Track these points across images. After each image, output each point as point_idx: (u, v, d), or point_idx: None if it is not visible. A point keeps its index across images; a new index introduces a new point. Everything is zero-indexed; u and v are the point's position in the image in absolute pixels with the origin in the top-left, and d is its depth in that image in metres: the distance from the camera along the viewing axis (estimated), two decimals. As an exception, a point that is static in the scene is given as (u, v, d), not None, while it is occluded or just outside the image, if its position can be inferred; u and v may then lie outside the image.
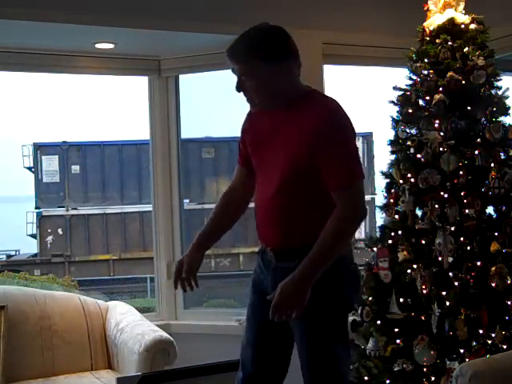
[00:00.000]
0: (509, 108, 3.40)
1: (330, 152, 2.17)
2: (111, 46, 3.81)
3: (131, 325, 3.36)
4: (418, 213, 3.35)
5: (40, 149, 14.40)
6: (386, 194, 3.51)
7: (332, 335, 2.27)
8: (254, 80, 2.21)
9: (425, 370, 3.16)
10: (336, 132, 2.19)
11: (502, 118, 3.38)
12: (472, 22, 3.42)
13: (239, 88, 2.26)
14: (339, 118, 2.23)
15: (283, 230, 2.27)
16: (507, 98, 3.40)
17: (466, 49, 3.36)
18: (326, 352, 2.26)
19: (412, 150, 3.39)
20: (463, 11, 3.45)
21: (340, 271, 2.26)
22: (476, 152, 3.27)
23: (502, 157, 3.35)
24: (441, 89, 3.32)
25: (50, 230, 14.35)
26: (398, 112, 3.48)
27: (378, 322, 3.31)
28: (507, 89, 3.39)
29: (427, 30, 3.46)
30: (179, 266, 2.41)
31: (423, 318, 3.20)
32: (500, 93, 3.39)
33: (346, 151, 2.20)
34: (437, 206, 3.20)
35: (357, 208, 2.21)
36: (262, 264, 2.37)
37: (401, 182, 3.38)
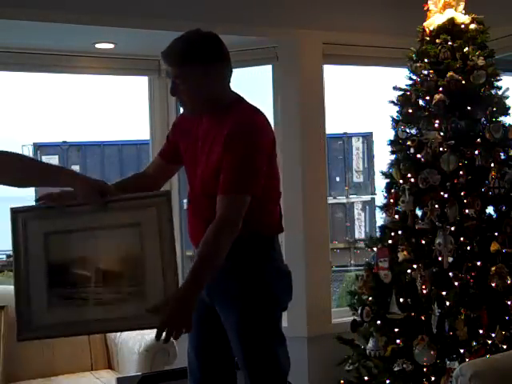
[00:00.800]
0: (509, 108, 3.40)
1: (229, 156, 2.17)
2: (111, 46, 3.81)
3: (131, 325, 3.36)
4: (418, 213, 3.35)
5: (40, 149, 14.39)
6: (386, 194, 3.51)
7: (265, 332, 2.27)
8: (186, 83, 2.20)
9: (425, 369, 3.16)
10: (243, 139, 2.18)
11: (502, 118, 3.39)
12: (472, 22, 3.42)
13: (173, 91, 2.23)
14: (251, 127, 2.22)
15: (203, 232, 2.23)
16: (507, 97, 3.40)
17: (466, 49, 3.36)
18: (262, 348, 2.27)
19: (412, 150, 3.39)
20: (463, 11, 3.45)
21: (268, 270, 2.28)
22: (476, 152, 3.27)
23: (502, 157, 3.35)
24: (441, 89, 3.32)
25: (49, 230, 14.33)
26: (397, 112, 3.48)
27: (378, 321, 3.31)
28: (507, 89, 3.39)
29: (427, 30, 3.46)
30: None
31: (423, 318, 3.20)
32: (500, 93, 3.39)
33: (243, 160, 2.18)
34: (437, 205, 3.20)
35: (230, 220, 2.14)
36: None
37: (401, 182, 3.38)
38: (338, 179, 14.75)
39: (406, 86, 3.48)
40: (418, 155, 3.33)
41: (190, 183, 2.40)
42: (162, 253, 2.10)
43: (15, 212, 2.15)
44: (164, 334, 2.03)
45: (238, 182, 2.17)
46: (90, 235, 2.11)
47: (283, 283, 2.34)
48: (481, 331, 3.10)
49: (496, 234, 3.23)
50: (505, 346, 3.08)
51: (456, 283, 3.14)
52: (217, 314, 2.31)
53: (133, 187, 2.39)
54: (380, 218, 3.63)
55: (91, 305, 2.07)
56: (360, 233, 14.76)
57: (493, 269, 3.14)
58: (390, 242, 3.38)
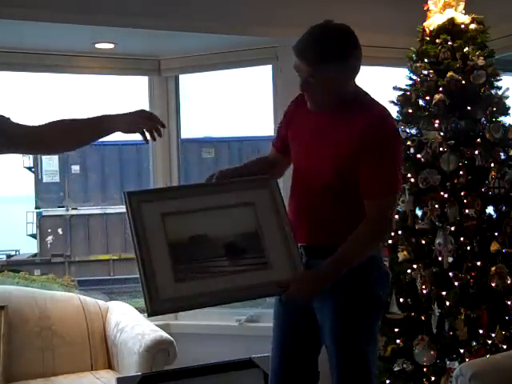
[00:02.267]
0: (509, 108, 3.40)
1: (374, 158, 2.15)
2: (111, 45, 3.81)
3: (131, 325, 3.36)
4: (418, 213, 3.35)
5: (40, 149, 14.39)
6: (385, 194, 3.51)
7: (364, 337, 2.26)
8: (320, 81, 2.15)
9: (425, 369, 3.16)
10: (384, 140, 2.17)
11: (502, 118, 3.38)
12: (472, 21, 3.42)
13: (304, 88, 2.19)
14: (389, 127, 2.23)
15: (319, 227, 2.27)
16: (507, 97, 3.40)
17: (466, 49, 3.36)
18: (358, 354, 2.26)
19: (412, 150, 3.39)
20: (463, 11, 3.45)
21: (372, 271, 2.28)
22: (476, 152, 3.27)
23: (502, 157, 3.35)
24: (441, 89, 3.32)
25: (50, 230, 14.36)
26: (398, 112, 3.48)
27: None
28: (507, 89, 3.39)
29: (427, 29, 3.46)
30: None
31: (423, 317, 3.20)
32: (500, 93, 3.39)
33: (389, 162, 2.19)
34: (437, 205, 3.20)
35: (385, 222, 2.21)
36: None
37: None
38: (338, 179, 14.76)
39: (406, 85, 3.48)
40: (418, 155, 3.34)
41: (297, 177, 2.36)
42: (280, 227, 2.24)
43: (130, 195, 2.20)
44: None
45: (385, 184, 2.18)
46: (205, 215, 2.21)
47: (384, 284, 2.35)
48: (481, 331, 3.11)
49: (496, 234, 3.23)
50: (505, 346, 3.08)
51: (456, 283, 3.14)
52: (312, 320, 2.31)
53: (257, 170, 2.43)
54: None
55: (217, 277, 2.14)
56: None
57: (493, 269, 3.14)
58: (389, 241, 3.38)
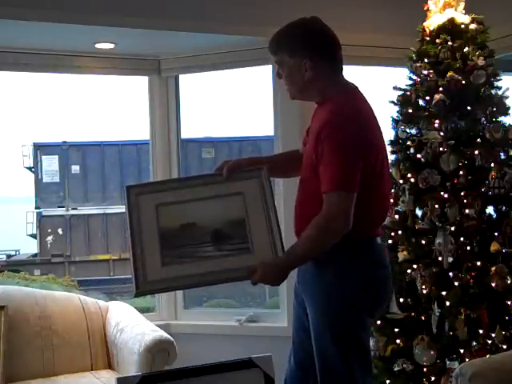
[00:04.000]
0: (509, 108, 3.40)
1: (324, 154, 2.20)
2: (111, 45, 3.81)
3: (131, 325, 3.36)
4: (418, 213, 3.35)
5: (40, 149, 14.40)
6: (386, 194, 3.51)
7: (334, 337, 2.25)
8: (283, 70, 2.35)
9: (425, 369, 3.16)
10: (338, 137, 2.18)
11: (502, 118, 3.38)
12: (472, 21, 3.42)
13: (277, 75, 2.40)
14: (342, 122, 2.21)
15: (304, 222, 2.29)
16: (507, 97, 3.39)
17: (466, 49, 3.36)
18: (327, 353, 2.26)
19: (412, 150, 3.39)
20: (463, 11, 3.45)
21: (365, 275, 2.26)
22: (476, 152, 3.27)
23: (502, 157, 3.35)
24: (441, 89, 3.32)
25: (50, 230, 14.35)
26: (398, 112, 3.48)
27: (378, 321, 3.30)
28: (507, 89, 3.39)
29: (427, 29, 3.46)
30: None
31: (423, 317, 3.20)
32: (500, 93, 3.39)
33: (337, 157, 2.17)
34: (437, 205, 3.20)
35: (335, 218, 2.16)
36: None
37: (401, 181, 3.38)
38: (338, 179, 14.76)
39: (406, 85, 3.48)
40: (418, 155, 3.33)
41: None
42: (266, 215, 2.33)
43: (128, 188, 2.38)
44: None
45: (330, 179, 2.18)
46: (196, 205, 2.35)
47: (370, 290, 2.28)
48: (481, 331, 3.10)
49: (496, 234, 3.23)
50: (505, 346, 3.08)
51: (456, 283, 3.14)
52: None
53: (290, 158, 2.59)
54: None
55: (201, 260, 2.27)
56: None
57: (493, 269, 3.14)
58: (389, 241, 3.38)
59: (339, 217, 2.16)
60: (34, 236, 14.77)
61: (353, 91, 2.35)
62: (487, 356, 2.99)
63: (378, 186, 2.30)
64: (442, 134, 3.29)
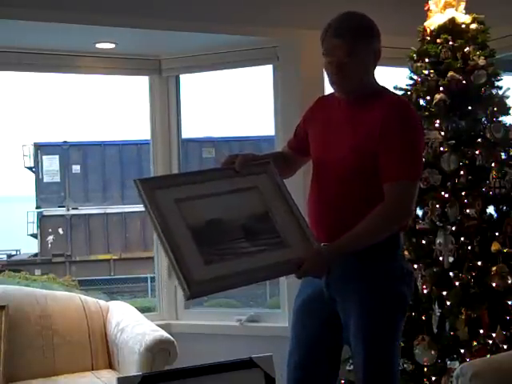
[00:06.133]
0: (509, 108, 3.40)
1: (395, 142, 2.16)
2: (112, 45, 3.81)
3: (132, 324, 3.36)
4: (419, 212, 3.35)
5: (40, 149, 14.42)
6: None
7: (387, 335, 2.27)
8: (355, 62, 2.22)
9: (425, 369, 3.16)
10: (405, 125, 2.19)
11: (503, 118, 3.38)
12: (473, 21, 3.42)
13: (340, 68, 2.23)
14: (411, 114, 2.26)
15: (339, 221, 2.26)
16: (508, 97, 3.39)
17: (466, 48, 3.36)
18: (381, 352, 2.26)
19: (413, 150, 3.38)
20: (464, 11, 3.45)
21: (394, 269, 2.28)
22: (477, 152, 3.27)
23: (503, 156, 3.35)
24: (441, 89, 3.32)
25: (50, 230, 14.37)
26: (398, 112, 3.47)
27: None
28: (508, 88, 3.39)
29: (428, 29, 3.46)
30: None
31: (424, 317, 3.20)
32: (501, 93, 3.39)
33: (411, 147, 2.20)
34: (437, 205, 3.20)
35: (403, 207, 2.20)
36: None
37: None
38: (338, 179, 14.77)
39: (407, 85, 3.48)
40: (419, 155, 3.33)
41: (318, 171, 2.38)
42: (287, 207, 2.28)
43: (142, 182, 2.19)
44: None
45: (406, 168, 2.17)
46: (215, 200, 2.25)
47: (406, 283, 2.32)
48: (481, 331, 3.10)
49: (497, 233, 3.23)
50: (505, 346, 3.08)
51: (457, 283, 3.14)
52: (337, 325, 2.30)
53: (283, 159, 2.50)
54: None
55: (242, 257, 2.18)
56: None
57: (493, 269, 3.14)
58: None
59: (409, 206, 2.20)
60: (34, 236, 14.79)
61: None
62: (488, 356, 2.99)
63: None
64: (442, 133, 3.29)
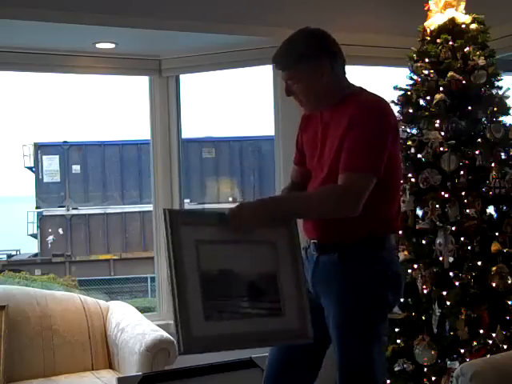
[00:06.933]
0: (509, 108, 3.40)
1: (356, 134, 2.16)
2: (112, 45, 3.81)
3: (132, 325, 3.36)
4: (419, 213, 3.35)
5: (41, 148, 14.41)
6: (386, 194, 3.51)
7: (365, 338, 2.26)
8: (300, 83, 2.26)
9: (425, 369, 3.16)
10: (370, 120, 2.18)
11: (503, 118, 3.39)
12: (473, 21, 3.42)
13: (288, 92, 2.31)
14: (380, 111, 2.23)
15: (331, 225, 2.27)
16: (508, 97, 3.40)
17: (466, 49, 3.36)
18: (357, 355, 2.26)
19: (413, 150, 3.39)
20: (464, 11, 3.45)
21: (381, 273, 2.27)
22: (477, 152, 3.27)
23: (503, 157, 3.35)
24: (441, 89, 3.32)
25: (50, 230, 14.37)
26: (398, 112, 3.48)
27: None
28: (508, 89, 3.39)
29: (428, 29, 3.46)
30: None
31: (424, 317, 3.20)
32: (501, 93, 3.39)
33: (372, 141, 2.16)
34: (437, 205, 3.20)
35: (351, 194, 2.14)
36: (306, 260, 2.37)
37: (401, 181, 3.38)
38: (338, 179, 14.77)
39: (407, 85, 3.48)
40: (419, 155, 3.34)
41: (312, 178, 2.39)
42: (295, 272, 2.25)
43: (171, 214, 2.13)
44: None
45: (364, 159, 2.15)
46: (234, 248, 2.19)
47: (391, 286, 2.31)
48: (481, 331, 3.11)
49: (496, 233, 3.23)
50: (505, 346, 3.08)
51: (457, 283, 3.14)
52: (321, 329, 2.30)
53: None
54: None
55: (241, 319, 2.15)
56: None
57: (493, 269, 3.14)
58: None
59: (358, 196, 2.14)
60: (34, 236, 14.78)
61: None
62: (488, 356, 2.99)
63: (398, 180, 2.36)
64: (442, 133, 3.29)
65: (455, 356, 3.13)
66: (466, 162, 3.27)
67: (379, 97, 2.31)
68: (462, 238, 3.20)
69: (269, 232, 2.24)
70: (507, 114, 3.40)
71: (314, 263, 2.32)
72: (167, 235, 2.08)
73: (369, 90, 2.35)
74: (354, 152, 2.15)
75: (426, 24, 3.48)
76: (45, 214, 14.39)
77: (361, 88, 2.34)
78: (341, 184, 2.15)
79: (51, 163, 14.39)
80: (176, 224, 2.10)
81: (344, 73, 2.34)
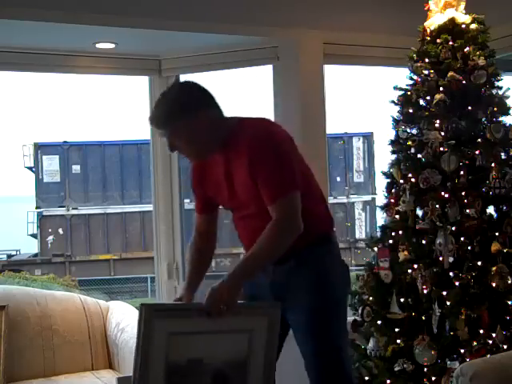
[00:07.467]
0: (509, 108, 3.40)
1: (262, 167, 2.24)
2: (112, 45, 3.81)
3: (132, 325, 3.36)
4: (419, 213, 3.35)
5: (41, 149, 14.42)
6: (386, 194, 3.51)
7: (335, 326, 2.37)
8: (180, 139, 2.29)
9: (425, 369, 3.15)
10: (264, 147, 2.25)
11: (503, 118, 3.38)
12: (473, 21, 3.42)
13: (171, 148, 2.34)
14: (266, 134, 2.30)
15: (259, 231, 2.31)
16: (508, 97, 3.40)
17: (466, 49, 3.36)
18: (334, 343, 2.36)
19: (413, 150, 3.39)
20: (464, 11, 3.45)
21: (336, 266, 2.42)
22: (477, 152, 3.27)
23: (503, 157, 3.34)
24: (441, 89, 3.32)
25: (50, 230, 14.38)
26: (398, 112, 3.48)
27: (379, 321, 3.31)
28: (508, 89, 3.39)
29: (428, 29, 3.46)
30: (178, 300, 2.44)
31: (424, 317, 3.20)
32: (501, 93, 3.39)
33: (278, 165, 2.25)
34: (437, 205, 3.20)
35: (290, 220, 2.24)
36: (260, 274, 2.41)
37: (401, 181, 3.38)
38: (338, 179, 14.78)
39: (407, 85, 3.48)
40: (419, 155, 3.33)
41: (235, 214, 2.47)
42: (266, 362, 2.23)
43: (146, 309, 2.16)
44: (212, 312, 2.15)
45: (279, 185, 2.24)
46: (207, 338, 2.19)
47: (342, 274, 2.46)
48: (481, 331, 3.10)
49: (497, 234, 3.22)
50: (505, 346, 3.08)
51: (457, 283, 3.14)
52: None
53: (203, 260, 2.52)
54: (380, 218, 3.63)
55: None
56: (360, 233, 14.78)
57: (493, 269, 3.14)
58: (390, 241, 3.38)
59: (296, 216, 2.24)
60: (34, 236, 14.80)
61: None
62: (488, 356, 2.98)
63: (312, 178, 2.45)
64: (442, 133, 3.29)
65: (455, 356, 3.13)
66: (466, 162, 3.27)
67: (260, 120, 2.39)
68: (462, 238, 3.19)
69: (248, 320, 2.25)
70: (507, 113, 3.40)
71: (272, 274, 2.38)
72: (138, 329, 2.12)
73: (243, 115, 2.41)
74: (271, 183, 2.24)
75: (425, 24, 3.48)
76: (45, 214, 14.40)
77: (239, 119, 2.38)
78: (277, 215, 2.23)
79: (51, 163, 14.40)
80: (149, 319, 2.13)
81: (221, 112, 2.36)
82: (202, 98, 2.32)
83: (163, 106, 2.31)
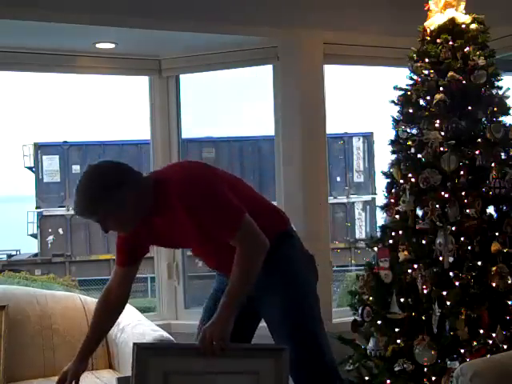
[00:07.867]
0: (509, 108, 3.40)
1: (202, 212, 2.27)
2: (112, 45, 3.82)
3: (132, 324, 3.36)
4: (419, 213, 3.35)
5: (41, 148, 14.40)
6: (386, 194, 3.51)
7: (310, 316, 2.44)
8: (109, 220, 2.33)
9: (425, 369, 3.15)
10: (193, 194, 2.28)
11: (503, 118, 3.38)
12: (473, 21, 3.42)
13: (105, 230, 2.37)
14: (187, 181, 2.32)
15: (225, 259, 2.35)
16: (508, 97, 3.40)
17: (466, 49, 3.36)
18: (308, 333, 2.42)
19: (413, 150, 3.39)
20: (464, 11, 3.45)
21: (300, 257, 2.51)
22: (477, 152, 3.27)
23: (503, 157, 3.35)
24: (441, 89, 3.32)
25: (50, 230, 14.35)
26: (398, 112, 3.48)
27: (379, 321, 3.31)
28: (508, 89, 3.39)
29: (428, 29, 3.46)
30: (63, 376, 2.45)
31: (424, 317, 3.20)
32: (501, 93, 3.39)
33: (216, 203, 2.29)
34: (437, 205, 3.20)
35: (254, 243, 2.29)
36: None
37: (401, 181, 3.38)
38: (338, 179, 14.77)
39: (407, 85, 3.48)
40: (419, 155, 3.33)
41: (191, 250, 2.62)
42: None
43: (140, 348, 2.18)
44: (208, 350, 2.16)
45: (229, 222, 2.29)
46: (206, 379, 2.16)
47: (308, 263, 2.54)
48: (481, 331, 3.10)
49: (497, 234, 3.23)
50: (505, 346, 3.08)
51: (457, 283, 3.14)
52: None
53: (105, 318, 2.60)
54: (380, 218, 3.63)
55: None
56: (360, 233, 14.77)
57: (493, 269, 3.14)
58: (390, 241, 3.38)
59: (258, 237, 2.29)
60: (34, 236, 14.77)
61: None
62: (488, 356, 2.98)
63: (250, 191, 2.56)
64: (442, 133, 3.29)
65: (455, 356, 3.13)
66: (466, 162, 3.27)
67: (180, 167, 2.48)
68: (462, 238, 3.19)
69: (253, 362, 2.18)
70: (507, 114, 3.40)
71: None
72: (132, 368, 2.15)
73: (158, 170, 2.51)
74: (221, 224, 2.29)
75: (425, 24, 3.48)
76: (45, 214, 14.38)
77: (153, 178, 2.39)
78: (241, 246, 2.27)
79: (51, 163, 14.38)
80: (142, 359, 2.14)
81: (141, 176, 2.38)
82: (121, 177, 2.32)
83: (85, 197, 2.31)
